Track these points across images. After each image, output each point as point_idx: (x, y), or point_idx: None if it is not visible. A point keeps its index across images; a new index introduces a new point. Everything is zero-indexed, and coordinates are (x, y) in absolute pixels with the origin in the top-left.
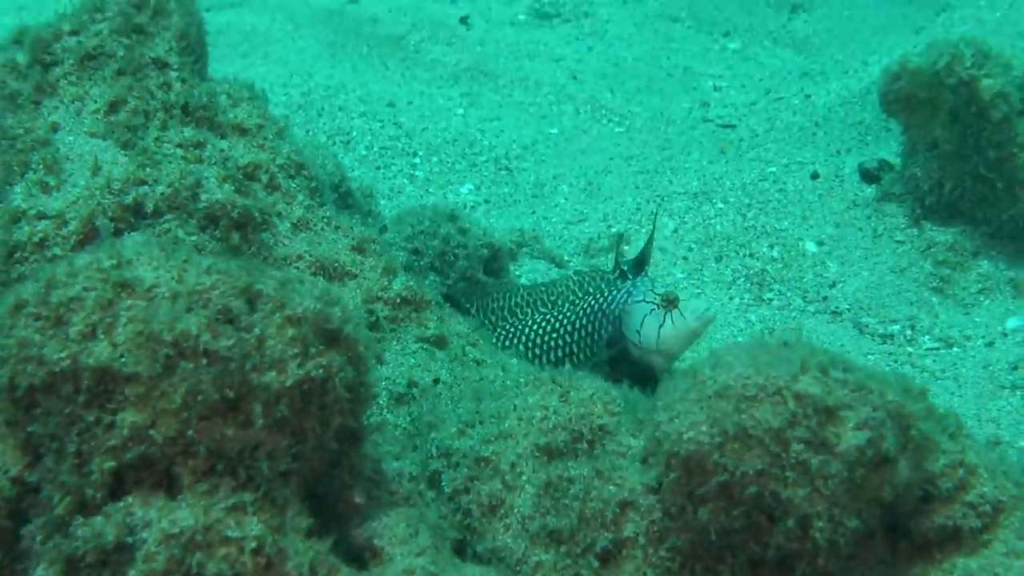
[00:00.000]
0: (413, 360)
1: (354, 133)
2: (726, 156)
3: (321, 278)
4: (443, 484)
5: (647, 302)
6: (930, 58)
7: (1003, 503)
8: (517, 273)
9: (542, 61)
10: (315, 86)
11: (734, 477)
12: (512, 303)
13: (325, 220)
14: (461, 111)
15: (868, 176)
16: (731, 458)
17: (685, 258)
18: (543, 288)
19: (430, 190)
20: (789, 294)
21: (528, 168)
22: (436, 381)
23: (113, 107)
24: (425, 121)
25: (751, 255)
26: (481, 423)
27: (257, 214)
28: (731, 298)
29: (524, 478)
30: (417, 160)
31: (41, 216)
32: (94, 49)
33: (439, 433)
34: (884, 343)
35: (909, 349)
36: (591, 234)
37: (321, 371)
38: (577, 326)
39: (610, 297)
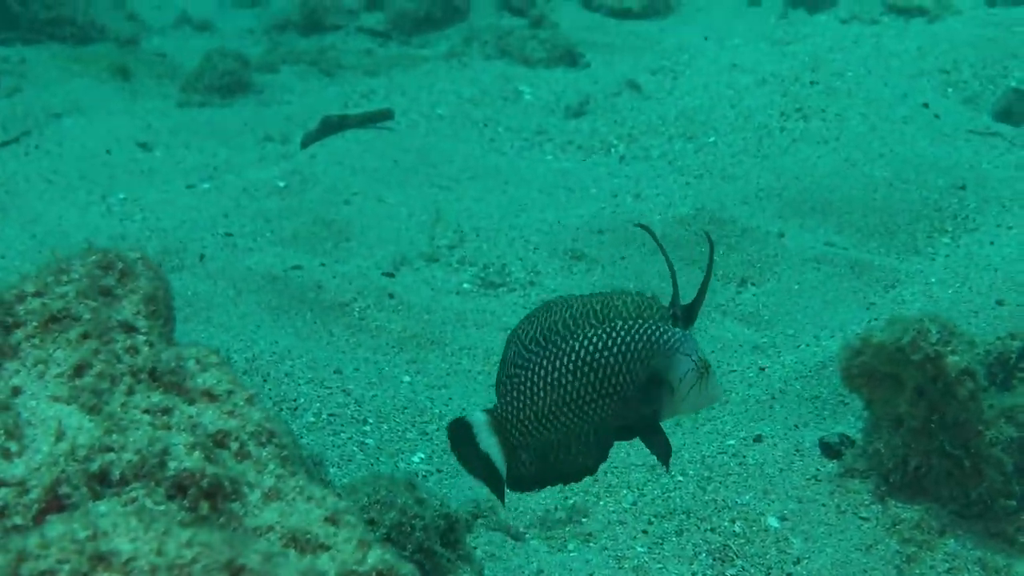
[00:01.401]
0: None
1: (301, 400)
2: (682, 428)
3: (292, 550)
4: None
5: (691, 358)
6: (894, 333)
7: None
8: (473, 545)
9: (490, 330)
10: (260, 352)
11: None
12: (565, 317)
13: (297, 490)
14: (408, 379)
15: (829, 451)
16: None
17: (645, 531)
18: (598, 301)
19: (381, 459)
20: (752, 570)
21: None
22: None
23: (78, 371)
24: (374, 388)
25: (712, 529)
26: None
27: (227, 483)
28: (693, 574)
29: None
30: (367, 428)
31: (1, 484)
32: (59, 312)
33: None
34: None
35: None
36: (548, 505)
37: None
38: (632, 348)
39: (666, 333)
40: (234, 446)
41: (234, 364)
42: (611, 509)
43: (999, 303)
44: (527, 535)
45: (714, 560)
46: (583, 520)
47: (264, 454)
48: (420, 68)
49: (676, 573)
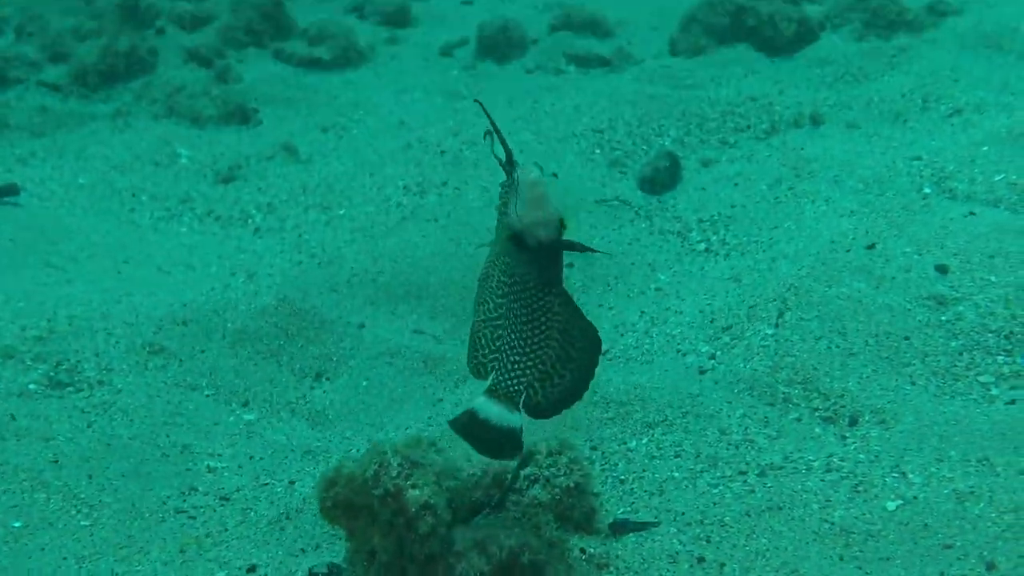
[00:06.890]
0: None
1: None
2: (185, 555)
3: None
4: None
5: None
6: (361, 465)
7: None
8: None
9: (31, 440)
10: None
11: None
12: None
13: None
14: None
15: None
16: None
17: None
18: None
19: None
20: None
21: None
22: None
23: None
24: None
25: None
26: None
27: None
28: None
29: None
30: None
31: None
32: None
33: None
34: None
35: None
36: None
37: None
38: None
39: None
40: None
41: None
42: None
43: None
44: None
45: None
46: None
47: None
48: (86, 128)
49: None
